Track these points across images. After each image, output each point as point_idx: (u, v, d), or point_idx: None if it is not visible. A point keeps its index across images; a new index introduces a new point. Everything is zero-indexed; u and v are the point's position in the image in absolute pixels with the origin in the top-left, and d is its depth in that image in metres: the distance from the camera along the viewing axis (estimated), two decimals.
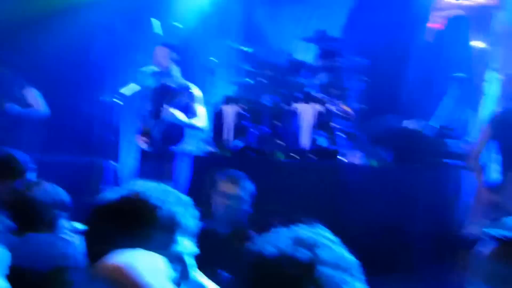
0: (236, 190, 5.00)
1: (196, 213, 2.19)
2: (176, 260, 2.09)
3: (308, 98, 8.04)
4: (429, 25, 9.12)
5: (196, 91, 7.07)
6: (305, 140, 7.76)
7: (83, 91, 9.04)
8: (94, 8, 9.17)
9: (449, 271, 6.37)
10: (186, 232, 2.12)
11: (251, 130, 8.02)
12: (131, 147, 7.87)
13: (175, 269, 2.06)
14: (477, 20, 8.74)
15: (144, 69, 7.27)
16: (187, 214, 2.14)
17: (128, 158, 8.22)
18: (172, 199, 2.13)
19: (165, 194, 2.15)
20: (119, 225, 2.03)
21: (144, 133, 7.09)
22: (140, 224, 2.04)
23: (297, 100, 8.05)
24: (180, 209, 2.12)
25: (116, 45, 9.51)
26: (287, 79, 8.40)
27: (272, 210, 5.47)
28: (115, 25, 9.73)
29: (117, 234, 2.00)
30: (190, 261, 2.19)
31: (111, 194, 2.13)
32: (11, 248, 2.54)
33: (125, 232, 2.01)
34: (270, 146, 7.88)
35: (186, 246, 2.14)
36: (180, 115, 6.90)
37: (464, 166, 6.86)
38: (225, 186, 5.02)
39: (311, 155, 7.63)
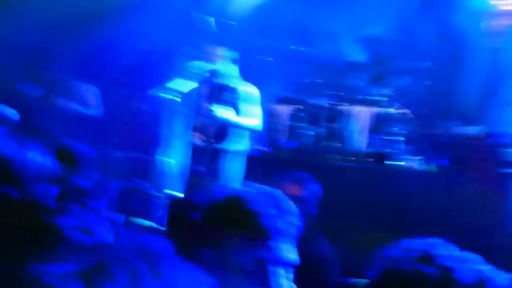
0: (302, 193, 4.86)
1: (298, 221, 2.13)
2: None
3: (366, 101, 7.97)
4: (493, 29, 8.96)
5: (251, 89, 6.99)
6: (361, 142, 7.69)
7: (138, 87, 9.08)
8: (150, 5, 9.22)
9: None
10: (284, 239, 2.07)
11: (306, 131, 7.95)
12: (183, 144, 7.87)
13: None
14: None
15: (199, 66, 7.25)
16: (287, 220, 2.08)
17: (179, 155, 8.22)
18: (274, 205, 2.08)
19: (268, 200, 2.09)
20: (215, 225, 2.01)
21: (198, 130, 7.06)
22: (237, 227, 2.02)
23: (354, 102, 7.97)
24: (280, 216, 2.06)
25: (173, 42, 9.55)
26: (344, 81, 8.33)
27: (330, 213, 5.38)
28: (171, 22, 9.77)
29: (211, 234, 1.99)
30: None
31: (214, 193, 2.12)
32: None
33: (219, 233, 2.01)
34: (325, 148, 7.81)
35: (282, 252, 2.08)
36: (231, 115, 6.84)
37: None
38: (290, 189, 4.93)
39: (367, 158, 7.54)
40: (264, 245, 2.03)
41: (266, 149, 7.85)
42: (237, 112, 6.88)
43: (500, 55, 8.64)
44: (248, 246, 2.02)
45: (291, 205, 2.14)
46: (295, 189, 4.80)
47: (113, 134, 8.41)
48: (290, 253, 2.11)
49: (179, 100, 7.09)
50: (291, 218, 2.10)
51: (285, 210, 2.10)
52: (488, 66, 8.62)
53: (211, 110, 6.91)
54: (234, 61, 7.11)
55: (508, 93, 7.78)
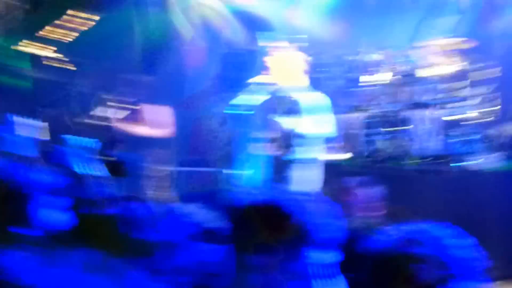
0: (367, 197, 5.01)
1: (340, 226, 2.12)
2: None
3: (433, 104, 7.99)
4: None
5: (323, 99, 7.07)
6: (435, 145, 7.72)
7: (206, 103, 9.27)
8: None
9: None
10: (322, 245, 2.05)
11: (379, 137, 8.02)
12: (257, 156, 7.99)
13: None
14: None
15: (261, 79, 7.37)
16: (328, 226, 2.06)
17: (254, 168, 8.34)
18: (313, 210, 2.08)
19: (306, 204, 2.10)
20: (253, 228, 2.02)
21: (273, 141, 7.16)
22: (272, 230, 2.02)
23: (422, 106, 8.00)
24: (320, 221, 2.05)
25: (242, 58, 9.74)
26: (411, 86, 8.33)
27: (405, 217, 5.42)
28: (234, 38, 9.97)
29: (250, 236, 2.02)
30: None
31: (252, 197, 2.13)
32: None
33: (258, 236, 2.03)
34: (399, 153, 7.86)
35: (319, 258, 2.08)
36: (303, 125, 6.93)
37: None
38: (356, 194, 5.03)
39: (441, 161, 7.56)
40: (302, 250, 2.05)
41: (341, 157, 7.92)
42: (308, 122, 6.96)
43: None
44: (288, 250, 2.04)
45: (334, 211, 2.14)
46: (354, 194, 4.91)
47: (191, 151, 8.61)
48: (330, 257, 2.11)
49: (251, 113, 7.22)
50: (332, 225, 2.10)
51: (326, 216, 2.10)
52: None
53: (281, 122, 7.03)
54: (305, 73, 7.20)
55: None
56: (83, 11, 9.31)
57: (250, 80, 7.81)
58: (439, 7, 9.50)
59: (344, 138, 8.21)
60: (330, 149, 8.23)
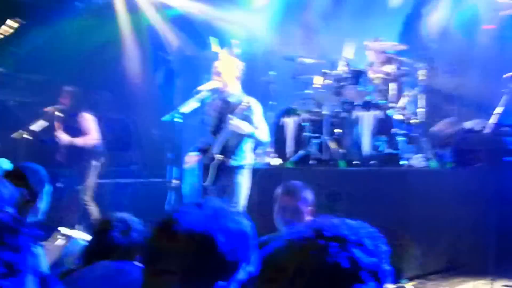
0: (295, 203, 4.79)
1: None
2: None
3: (368, 105, 8.08)
4: (484, 26, 9.12)
5: (256, 104, 7.08)
6: (366, 147, 7.83)
7: (145, 113, 9.32)
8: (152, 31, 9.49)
9: None
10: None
11: (313, 140, 8.13)
12: (193, 164, 8.00)
13: None
14: None
15: (204, 86, 7.37)
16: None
17: (191, 176, 8.38)
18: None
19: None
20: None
21: (203, 150, 7.17)
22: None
23: (357, 108, 8.09)
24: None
25: (181, 64, 9.80)
26: (346, 88, 8.42)
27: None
28: (175, 45, 10.03)
29: None
30: None
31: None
32: None
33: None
34: (332, 155, 7.97)
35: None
36: (245, 126, 6.97)
37: None
38: (283, 200, 4.85)
39: (373, 161, 7.71)
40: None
41: (274, 161, 8.00)
42: (246, 126, 6.97)
43: (494, 49, 8.80)
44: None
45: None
46: (287, 200, 4.83)
47: (121, 160, 8.65)
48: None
49: (181, 121, 7.25)
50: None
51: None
52: (484, 60, 8.79)
53: (218, 128, 7.04)
54: (238, 78, 7.20)
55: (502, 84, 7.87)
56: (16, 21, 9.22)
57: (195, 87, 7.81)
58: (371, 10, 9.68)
59: (279, 142, 8.31)
60: (265, 154, 8.35)
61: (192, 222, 1.93)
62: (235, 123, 6.90)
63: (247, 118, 6.98)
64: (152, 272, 1.93)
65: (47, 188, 4.01)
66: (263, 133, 7.06)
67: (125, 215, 3.40)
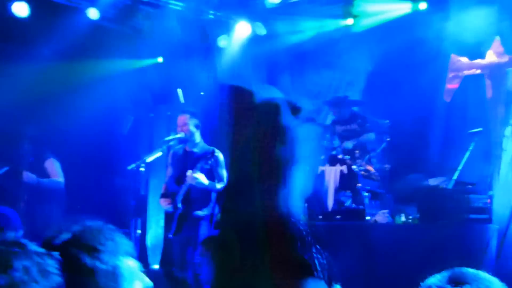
0: None
1: None
2: None
3: (332, 160, 8.10)
4: (447, 86, 9.26)
5: (220, 155, 7.07)
6: (330, 201, 7.83)
7: (109, 162, 9.21)
8: (119, 81, 9.42)
9: None
10: None
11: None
12: (159, 214, 7.95)
13: None
14: (492, 78, 8.84)
15: (169, 137, 7.36)
16: None
17: (155, 226, 8.30)
18: None
19: None
20: None
21: (168, 196, 7.12)
22: None
23: (321, 162, 8.11)
24: None
25: (143, 115, 9.72)
26: None
27: None
28: (142, 96, 9.98)
29: None
30: None
31: None
32: None
33: None
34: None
35: None
36: (203, 179, 6.93)
37: (489, 220, 6.88)
38: None
39: (337, 216, 7.67)
40: None
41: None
42: (207, 177, 6.94)
43: (456, 108, 8.92)
44: None
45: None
46: None
47: (84, 208, 8.49)
48: None
49: (143, 169, 7.20)
50: None
51: None
52: (446, 119, 8.88)
53: (181, 177, 7.00)
54: (198, 128, 7.21)
55: (467, 142, 7.95)
56: None
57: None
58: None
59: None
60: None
61: None
62: (195, 175, 6.87)
63: (211, 169, 6.97)
64: None
65: None
66: (222, 183, 7.01)
67: None
